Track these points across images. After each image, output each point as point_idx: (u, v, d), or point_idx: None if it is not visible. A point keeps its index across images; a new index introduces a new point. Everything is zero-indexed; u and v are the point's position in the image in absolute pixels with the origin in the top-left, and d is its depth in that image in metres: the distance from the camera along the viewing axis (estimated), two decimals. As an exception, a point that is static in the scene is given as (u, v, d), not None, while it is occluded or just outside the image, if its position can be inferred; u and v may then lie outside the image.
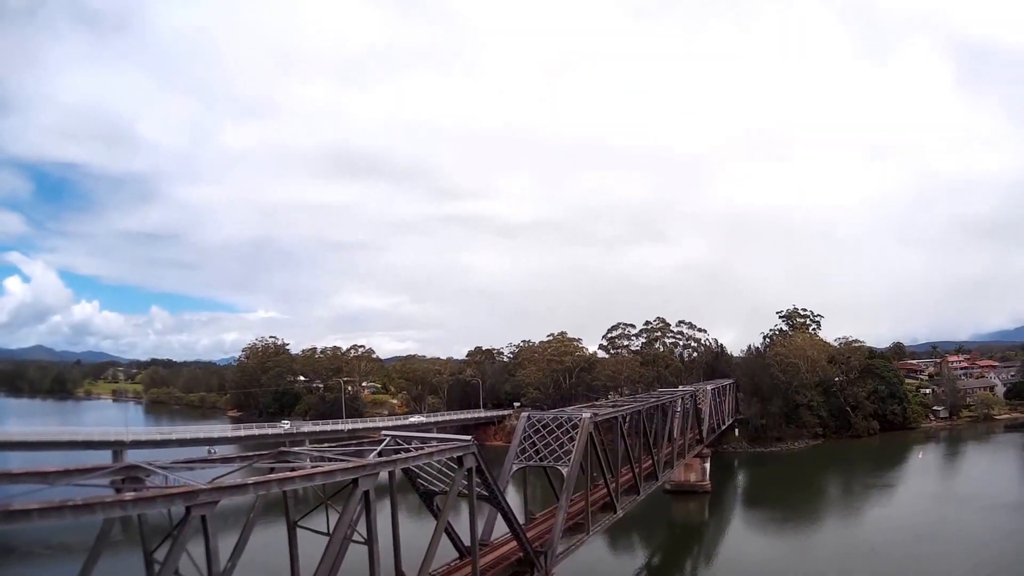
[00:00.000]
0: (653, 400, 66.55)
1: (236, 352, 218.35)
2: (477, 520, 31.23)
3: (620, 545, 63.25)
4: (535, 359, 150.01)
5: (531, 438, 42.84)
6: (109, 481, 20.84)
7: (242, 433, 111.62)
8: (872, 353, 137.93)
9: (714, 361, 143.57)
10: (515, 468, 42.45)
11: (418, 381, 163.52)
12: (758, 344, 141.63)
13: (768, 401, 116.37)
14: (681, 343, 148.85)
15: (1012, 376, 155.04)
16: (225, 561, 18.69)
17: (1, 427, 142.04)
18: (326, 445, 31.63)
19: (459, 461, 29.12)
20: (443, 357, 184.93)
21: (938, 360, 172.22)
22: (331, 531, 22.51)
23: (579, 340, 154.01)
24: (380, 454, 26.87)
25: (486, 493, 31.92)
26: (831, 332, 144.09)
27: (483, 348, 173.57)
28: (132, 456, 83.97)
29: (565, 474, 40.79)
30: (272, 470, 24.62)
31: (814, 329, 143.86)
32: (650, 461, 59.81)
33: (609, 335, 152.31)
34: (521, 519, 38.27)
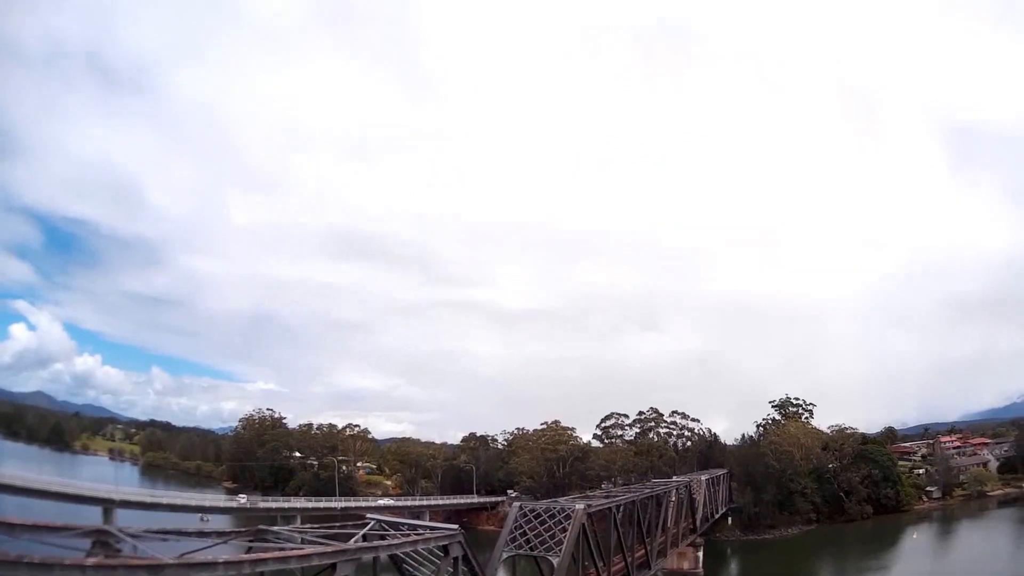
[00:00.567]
0: (647, 490, 64.46)
1: (234, 421, 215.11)
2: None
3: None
4: (529, 447, 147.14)
5: (522, 527, 40.97)
6: (77, 543, 19.28)
7: (234, 504, 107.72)
8: (865, 439, 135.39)
9: (708, 450, 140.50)
10: (505, 555, 40.35)
11: (412, 464, 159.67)
12: (751, 433, 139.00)
13: (762, 489, 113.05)
14: (675, 433, 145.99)
15: (1005, 451, 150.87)
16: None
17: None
18: (311, 526, 29.82)
19: (445, 549, 27.40)
20: (438, 441, 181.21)
21: (930, 441, 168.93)
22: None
23: (573, 429, 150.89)
24: (364, 538, 25.30)
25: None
26: (824, 419, 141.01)
27: (477, 435, 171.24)
28: (122, 516, 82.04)
29: (556, 564, 38.81)
30: (250, 549, 22.98)
31: (807, 418, 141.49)
32: (643, 550, 57.34)
33: (603, 425, 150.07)
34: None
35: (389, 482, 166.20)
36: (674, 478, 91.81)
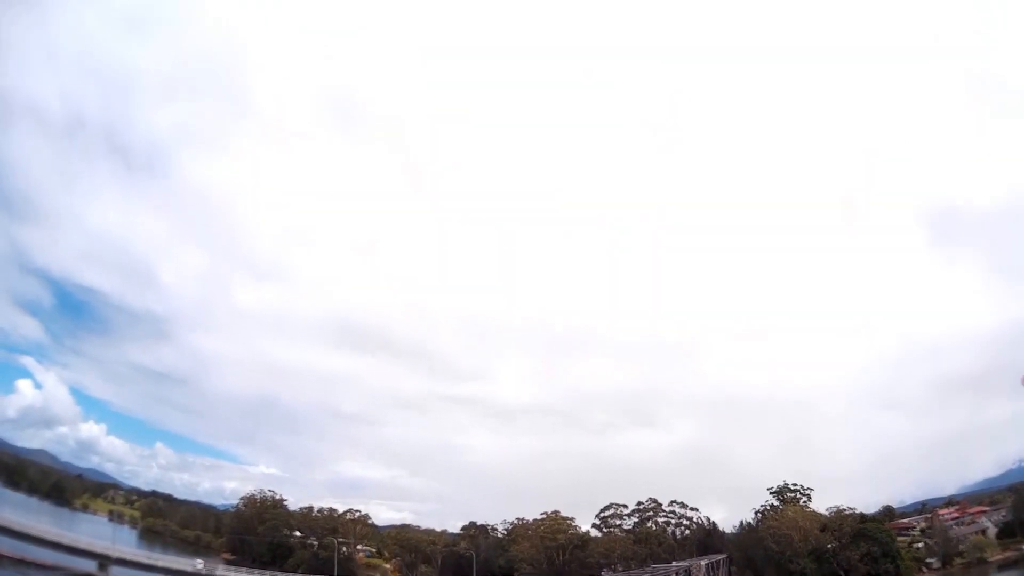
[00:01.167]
0: (648, 575, 64.42)
1: (235, 499, 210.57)
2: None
3: None
4: (529, 536, 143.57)
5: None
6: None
7: (232, 574, 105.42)
8: (864, 518, 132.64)
9: (706, 538, 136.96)
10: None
11: (412, 549, 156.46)
12: (750, 519, 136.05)
13: (761, 572, 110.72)
14: (673, 522, 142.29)
15: (1003, 516, 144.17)
16: None
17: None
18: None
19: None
20: (438, 529, 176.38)
21: (928, 515, 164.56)
22: None
23: (572, 519, 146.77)
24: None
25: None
26: (822, 502, 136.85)
27: (477, 523, 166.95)
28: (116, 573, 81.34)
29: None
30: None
31: (805, 501, 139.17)
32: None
33: (602, 515, 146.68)
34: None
35: (388, 565, 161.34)
36: (674, 563, 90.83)
